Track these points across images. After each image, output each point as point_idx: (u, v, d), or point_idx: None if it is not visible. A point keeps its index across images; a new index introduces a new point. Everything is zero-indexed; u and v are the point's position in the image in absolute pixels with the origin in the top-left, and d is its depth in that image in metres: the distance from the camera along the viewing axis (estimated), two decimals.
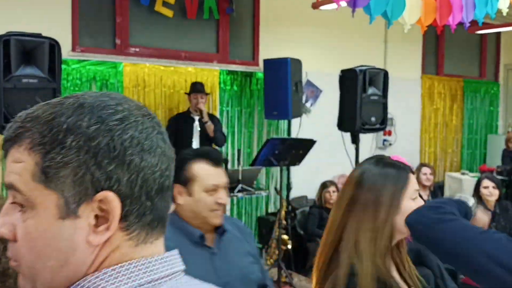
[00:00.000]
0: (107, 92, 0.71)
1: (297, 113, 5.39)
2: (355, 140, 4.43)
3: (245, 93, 5.74)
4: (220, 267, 1.72)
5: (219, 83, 5.53)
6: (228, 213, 5.55)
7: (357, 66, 4.32)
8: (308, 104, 6.22)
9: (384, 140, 6.95)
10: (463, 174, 6.91)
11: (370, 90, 4.31)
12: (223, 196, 1.73)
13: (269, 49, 5.68)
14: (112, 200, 0.63)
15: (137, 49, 4.99)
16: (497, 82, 8.13)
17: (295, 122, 5.71)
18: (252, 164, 4.56)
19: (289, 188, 5.52)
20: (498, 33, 7.76)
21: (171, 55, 5.19)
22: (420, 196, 1.48)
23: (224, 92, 5.58)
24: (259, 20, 5.74)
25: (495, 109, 8.09)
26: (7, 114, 2.75)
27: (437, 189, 6.14)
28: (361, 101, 4.21)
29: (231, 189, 4.13)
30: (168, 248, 0.71)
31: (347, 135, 4.54)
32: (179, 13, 5.16)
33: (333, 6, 5.13)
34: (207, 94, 4.95)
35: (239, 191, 4.14)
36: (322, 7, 5.07)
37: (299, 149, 4.67)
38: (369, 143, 6.92)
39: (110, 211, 0.63)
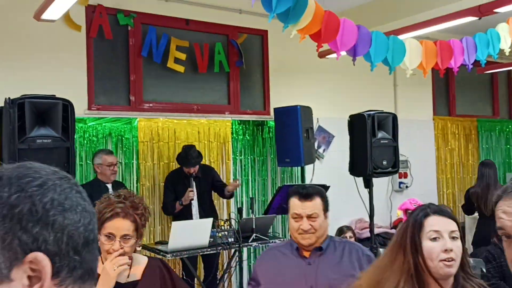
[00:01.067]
0: (24, 163, 0.76)
1: (309, 159, 5.41)
2: (368, 185, 4.42)
3: (257, 141, 5.82)
4: (309, 273, 2.19)
5: (232, 133, 5.62)
6: (244, 262, 5.51)
7: (366, 111, 4.38)
8: (320, 150, 6.25)
9: (401, 183, 6.89)
10: None
11: (380, 134, 4.34)
12: (303, 224, 2.19)
13: (279, 98, 5.79)
14: (42, 260, 0.67)
15: (151, 105, 5.14)
16: (511, 120, 8.09)
17: (308, 168, 5.73)
18: (266, 212, 4.56)
19: None
20: (509, 71, 7.79)
21: (184, 109, 5.32)
22: None
23: (237, 142, 5.67)
24: (268, 70, 5.89)
25: (511, 147, 8.00)
26: None
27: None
28: (371, 145, 4.24)
29: (246, 238, 4.12)
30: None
31: (360, 180, 4.54)
32: (190, 68, 5.34)
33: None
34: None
35: (253, 240, 4.12)
36: (328, 56, 5.19)
37: None
38: (385, 186, 6.87)
39: (41, 270, 0.67)
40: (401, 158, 6.82)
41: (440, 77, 7.34)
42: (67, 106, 3.01)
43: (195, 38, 5.36)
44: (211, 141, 5.49)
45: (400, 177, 6.87)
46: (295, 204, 2.28)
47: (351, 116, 4.47)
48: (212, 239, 3.96)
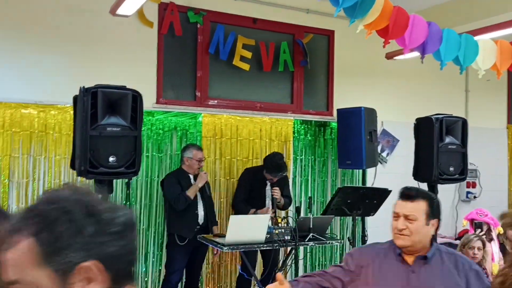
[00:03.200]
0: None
1: (371, 162, 5.30)
2: (433, 191, 4.25)
3: (319, 142, 5.78)
4: (413, 282, 2.13)
5: (293, 133, 5.62)
6: (300, 262, 5.48)
7: (434, 114, 4.22)
8: (384, 154, 6.10)
9: (468, 193, 6.59)
10: None
11: (448, 139, 4.17)
12: (399, 223, 2.16)
13: (343, 99, 5.72)
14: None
15: (216, 101, 5.24)
16: None
17: (370, 172, 5.61)
18: (324, 213, 4.52)
19: (364, 239, 5.35)
20: None
21: (247, 106, 5.39)
22: None
23: (298, 141, 5.66)
24: (333, 71, 5.84)
25: None
26: (92, 160, 2.99)
27: None
28: (438, 150, 4.08)
29: (302, 237, 4.10)
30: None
31: (425, 186, 4.38)
32: (255, 66, 5.39)
33: (407, 56, 5.12)
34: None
35: (310, 239, 4.10)
36: (396, 58, 5.07)
37: (373, 198, 4.57)
38: (451, 196, 6.60)
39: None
40: (470, 167, 6.52)
41: None
42: (136, 97, 3.14)
43: (262, 37, 5.41)
44: (273, 139, 5.51)
45: (468, 187, 6.57)
46: (397, 203, 2.26)
47: (417, 119, 4.33)
48: (269, 236, 3.98)
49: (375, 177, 5.58)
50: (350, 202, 4.43)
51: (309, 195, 5.58)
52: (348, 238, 4.88)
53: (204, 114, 5.16)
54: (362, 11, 2.33)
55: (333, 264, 5.71)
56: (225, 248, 3.79)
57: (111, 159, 3.03)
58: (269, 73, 5.48)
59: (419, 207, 2.15)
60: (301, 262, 5.59)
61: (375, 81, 6.01)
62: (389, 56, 5.02)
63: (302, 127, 5.69)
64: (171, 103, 5.02)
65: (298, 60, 5.59)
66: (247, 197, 4.78)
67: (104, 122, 3.04)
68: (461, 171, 4.23)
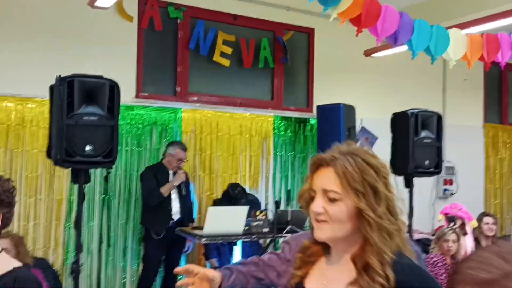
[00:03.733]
0: None
1: None
2: (408, 184, 4.33)
3: (299, 138, 5.83)
4: None
5: (273, 129, 5.66)
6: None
7: (410, 109, 4.30)
8: None
9: (445, 190, 6.70)
10: None
11: (423, 133, 4.24)
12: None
13: (323, 96, 5.77)
14: None
15: (196, 97, 5.26)
16: None
17: None
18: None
19: None
20: None
21: (227, 102, 5.41)
22: None
23: (278, 138, 5.70)
24: (313, 68, 5.89)
25: None
26: (68, 149, 2.99)
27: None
28: (414, 144, 4.15)
29: (281, 229, 4.13)
30: None
31: (401, 180, 4.45)
32: (236, 62, 5.42)
33: (385, 53, 5.21)
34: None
35: (288, 231, 4.13)
36: (374, 55, 5.15)
37: None
38: (428, 193, 6.70)
39: None
40: (447, 164, 6.66)
41: (492, 83, 7.12)
42: (113, 87, 3.14)
43: (242, 33, 5.45)
44: (253, 135, 5.55)
45: (445, 184, 6.69)
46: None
47: (394, 114, 4.41)
48: (247, 228, 4.00)
49: None
50: None
51: (289, 188, 5.63)
52: None
53: (184, 109, 5.17)
54: (335, 0, 2.38)
55: None
56: (204, 239, 3.81)
57: (87, 148, 3.03)
58: (250, 70, 5.51)
59: None
60: None
61: (354, 78, 6.08)
62: (368, 53, 5.09)
63: (282, 123, 5.73)
64: (151, 97, 5.01)
65: (278, 57, 5.64)
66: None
67: (81, 111, 3.03)
68: (436, 165, 4.31)
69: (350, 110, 5.38)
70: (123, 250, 4.84)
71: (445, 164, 6.76)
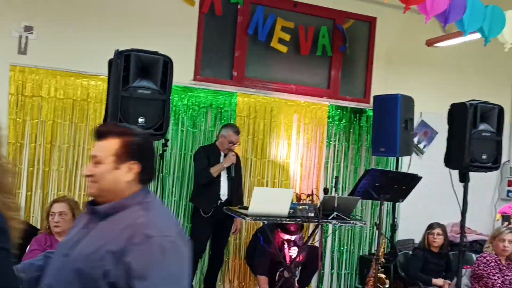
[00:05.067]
0: None
1: (406, 151, 5.23)
2: (463, 179, 4.17)
3: (354, 128, 5.76)
4: (80, 239, 1.68)
5: (328, 118, 5.62)
6: (328, 245, 5.50)
7: (469, 100, 4.13)
8: (421, 145, 6.00)
9: (509, 191, 6.36)
10: None
11: (482, 126, 4.07)
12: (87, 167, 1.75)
13: (381, 88, 5.66)
14: None
15: (252, 81, 5.33)
16: None
17: (405, 162, 5.53)
18: (350, 194, 4.52)
19: (394, 227, 5.31)
20: None
21: (283, 88, 5.44)
22: None
23: (332, 127, 5.66)
24: (373, 58, 5.78)
25: None
26: (122, 119, 3.15)
27: None
28: (471, 136, 3.99)
29: (326, 216, 4.12)
30: None
31: (456, 174, 4.28)
32: (293, 49, 5.43)
33: (448, 43, 5.02)
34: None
35: (333, 218, 4.11)
36: (437, 44, 4.98)
37: (402, 184, 4.52)
38: (491, 194, 6.40)
39: None
40: None
41: None
42: (167, 63, 3.27)
43: (301, 20, 5.44)
44: (307, 122, 5.54)
45: (509, 185, 6.35)
46: None
47: (452, 105, 4.25)
48: (292, 211, 4.02)
49: (409, 167, 5.48)
50: (378, 186, 4.41)
51: (341, 180, 5.58)
52: (376, 223, 4.85)
53: (240, 93, 5.25)
54: None
55: (360, 248, 5.69)
56: (248, 218, 3.88)
57: (140, 120, 3.18)
58: (307, 57, 5.50)
59: (109, 147, 1.70)
60: (329, 246, 5.62)
61: (416, 70, 5.90)
62: (430, 43, 4.93)
63: (337, 113, 5.68)
64: (208, 80, 5.14)
65: (337, 46, 5.58)
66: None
67: (135, 84, 3.18)
68: (494, 160, 4.12)
69: (408, 101, 5.23)
70: None
71: (510, 164, 6.42)
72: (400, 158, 5.58)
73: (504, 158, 5.22)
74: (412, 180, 4.50)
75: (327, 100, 5.62)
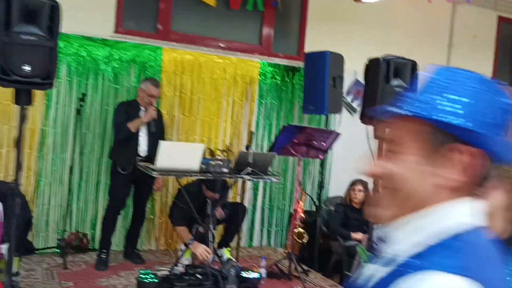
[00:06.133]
0: None
1: (334, 108, 5.19)
2: (376, 135, 4.16)
3: (286, 86, 5.68)
4: None
5: (259, 75, 5.53)
6: (259, 202, 5.51)
7: (384, 56, 4.08)
8: (354, 104, 5.98)
9: None
10: None
11: (396, 82, 4.04)
12: None
13: (316, 45, 5.56)
14: None
15: (178, 36, 5.16)
16: None
17: (337, 119, 5.52)
18: (269, 151, 4.48)
19: (321, 185, 5.32)
20: None
21: (211, 44, 5.30)
22: None
23: (264, 84, 5.57)
24: (306, 14, 5.67)
25: None
26: (4, 67, 2.99)
27: None
28: (383, 91, 3.96)
29: (239, 171, 4.08)
30: None
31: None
32: (222, 2, 5.27)
33: None
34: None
35: (247, 173, 4.07)
36: (364, 1, 4.89)
37: (320, 140, 4.50)
38: None
39: None
40: None
41: (505, 42, 6.68)
42: (54, 7, 3.10)
43: None
44: (237, 80, 5.44)
45: None
46: None
47: (369, 60, 4.20)
48: (205, 166, 3.97)
49: (340, 125, 5.47)
50: (296, 142, 4.38)
51: (272, 139, 5.54)
52: (299, 181, 4.85)
53: (165, 48, 5.09)
54: None
55: (291, 206, 5.71)
56: (154, 173, 3.81)
57: (26, 68, 3.03)
58: (237, 11, 5.35)
59: None
60: (259, 204, 5.63)
61: (351, 29, 5.81)
62: None
63: (270, 70, 5.59)
64: (131, 33, 4.96)
65: (269, 0, 5.44)
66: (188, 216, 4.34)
67: (19, 29, 3.01)
68: None
69: (337, 58, 5.16)
70: (96, 184, 4.92)
71: None
72: (332, 116, 5.56)
73: None
74: (330, 136, 4.48)
75: (259, 57, 5.51)
